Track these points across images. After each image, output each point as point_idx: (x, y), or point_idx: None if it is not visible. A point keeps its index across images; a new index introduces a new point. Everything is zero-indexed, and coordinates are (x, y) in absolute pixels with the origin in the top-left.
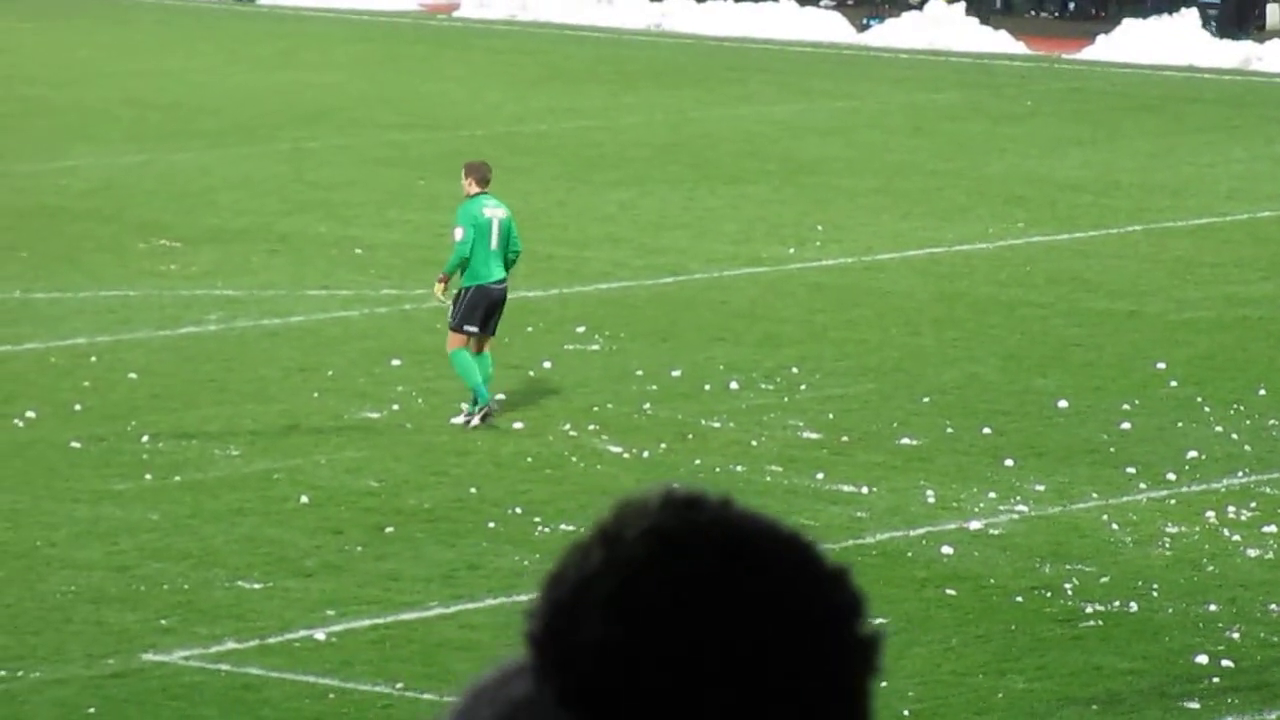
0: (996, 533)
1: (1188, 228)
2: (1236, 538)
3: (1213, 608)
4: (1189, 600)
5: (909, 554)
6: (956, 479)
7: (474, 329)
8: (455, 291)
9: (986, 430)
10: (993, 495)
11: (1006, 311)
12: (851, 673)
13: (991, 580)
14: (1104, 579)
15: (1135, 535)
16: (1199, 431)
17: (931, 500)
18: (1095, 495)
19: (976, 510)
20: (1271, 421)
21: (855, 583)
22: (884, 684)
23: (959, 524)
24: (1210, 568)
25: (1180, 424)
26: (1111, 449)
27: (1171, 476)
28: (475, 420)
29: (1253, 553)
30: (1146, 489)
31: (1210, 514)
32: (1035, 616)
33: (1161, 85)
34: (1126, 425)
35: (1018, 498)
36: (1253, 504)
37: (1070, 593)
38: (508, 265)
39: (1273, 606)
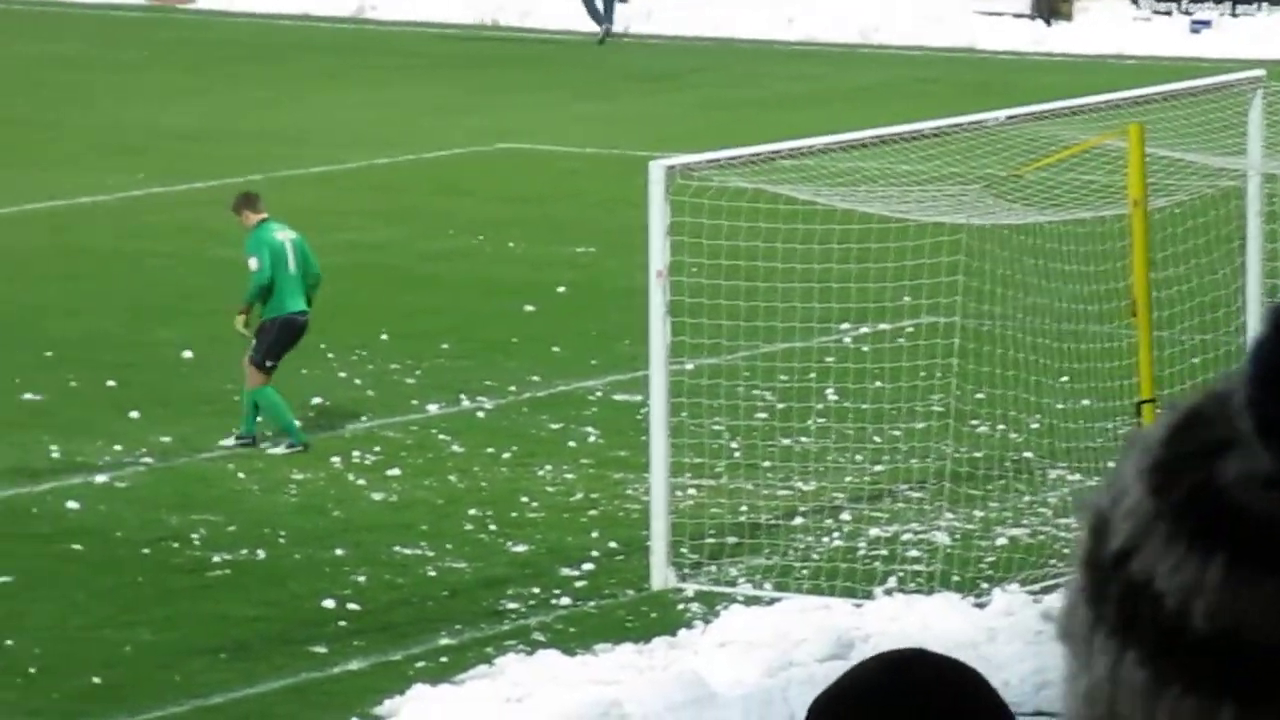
0: (123, 485)
1: (309, 175)
2: (361, 482)
3: (339, 552)
4: (315, 546)
5: (34, 510)
6: (81, 433)
7: (274, 364)
8: (257, 324)
9: (111, 383)
10: (118, 448)
11: (131, 263)
12: None
13: (118, 533)
14: (231, 528)
15: (262, 483)
16: (324, 378)
17: (56, 455)
18: (221, 445)
19: (102, 464)
20: (393, 366)
21: None
22: (8, 641)
23: (84, 478)
24: (336, 513)
25: (305, 371)
26: (235, 398)
27: (298, 423)
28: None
29: (377, 496)
30: (269, 440)
31: (336, 459)
32: (162, 568)
33: (275, 34)
34: None
35: (143, 450)
36: (377, 448)
37: (198, 543)
38: (308, 293)
39: (396, 548)
